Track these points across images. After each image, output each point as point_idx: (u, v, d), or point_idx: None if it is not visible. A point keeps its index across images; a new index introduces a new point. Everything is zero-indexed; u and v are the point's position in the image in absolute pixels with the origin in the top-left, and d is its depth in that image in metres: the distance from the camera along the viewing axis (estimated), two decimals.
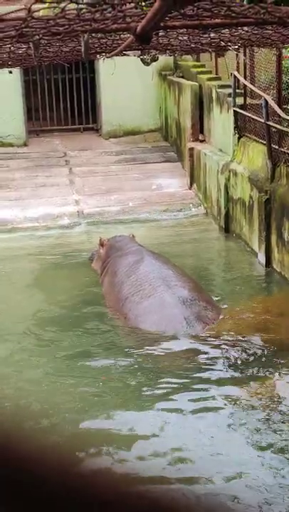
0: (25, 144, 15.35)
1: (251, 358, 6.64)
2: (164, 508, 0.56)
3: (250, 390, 6.10)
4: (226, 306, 8.00)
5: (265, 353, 6.74)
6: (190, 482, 4.76)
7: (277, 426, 5.50)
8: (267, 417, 5.61)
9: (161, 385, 6.25)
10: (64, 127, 16.16)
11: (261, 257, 9.65)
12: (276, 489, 4.65)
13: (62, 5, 3.04)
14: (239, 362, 6.59)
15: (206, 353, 6.78)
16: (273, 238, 9.34)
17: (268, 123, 9.45)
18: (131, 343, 7.16)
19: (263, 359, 6.63)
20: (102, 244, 9.26)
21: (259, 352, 6.76)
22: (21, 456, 0.55)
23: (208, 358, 6.68)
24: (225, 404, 5.87)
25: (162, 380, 6.33)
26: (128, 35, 3.84)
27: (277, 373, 6.37)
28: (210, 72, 13.74)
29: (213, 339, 7.02)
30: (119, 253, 8.72)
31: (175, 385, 6.22)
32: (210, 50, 7.80)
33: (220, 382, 6.25)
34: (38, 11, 3.22)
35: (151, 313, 7.31)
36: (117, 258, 8.61)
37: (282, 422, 5.54)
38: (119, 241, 9.16)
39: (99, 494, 0.55)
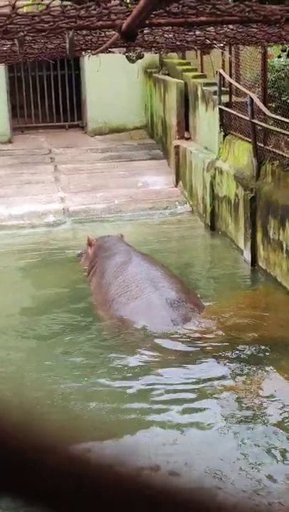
0: (9, 141, 15.28)
1: (237, 355, 6.67)
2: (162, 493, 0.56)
3: (238, 386, 6.12)
4: (210, 303, 8.01)
5: (251, 349, 6.77)
6: (181, 473, 4.77)
7: (261, 420, 5.52)
8: (253, 413, 5.63)
9: (146, 382, 6.25)
10: (49, 124, 16.11)
11: (247, 255, 9.68)
12: (260, 481, 4.68)
13: (47, 1, 3.03)
14: (225, 359, 6.60)
15: (191, 350, 6.79)
16: (259, 236, 9.37)
17: (253, 121, 9.48)
18: (117, 341, 7.16)
19: (249, 356, 6.66)
20: (90, 244, 9.22)
21: (245, 349, 6.78)
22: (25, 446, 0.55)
23: (193, 355, 6.70)
24: (211, 400, 5.89)
25: (147, 377, 6.33)
26: (113, 32, 3.83)
27: (263, 369, 6.40)
28: (195, 69, 13.75)
29: (198, 337, 7.04)
30: (107, 253, 8.68)
31: (160, 382, 6.23)
32: (195, 47, 7.80)
33: (205, 379, 6.26)
34: (23, 7, 3.21)
35: (138, 314, 7.28)
36: (105, 259, 8.58)
37: (269, 416, 5.56)
38: (107, 241, 9.12)
39: (97, 483, 0.55)
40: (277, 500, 4.49)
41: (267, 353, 6.71)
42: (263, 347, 6.81)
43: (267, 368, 6.42)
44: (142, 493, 0.55)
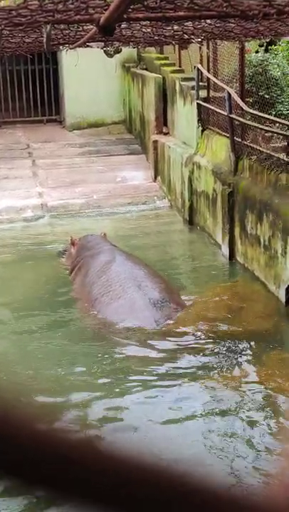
0: None
1: (217, 350, 6.71)
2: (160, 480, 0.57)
3: (217, 379, 6.16)
4: (188, 298, 8.04)
5: (231, 343, 6.82)
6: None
7: (240, 412, 5.57)
8: (232, 405, 5.68)
9: (126, 377, 6.27)
10: (27, 119, 16.02)
11: (225, 249, 9.73)
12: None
13: None
14: (205, 354, 6.65)
15: (171, 345, 6.83)
16: (236, 230, 9.42)
17: (231, 116, 9.51)
18: (97, 337, 7.17)
19: (229, 349, 6.71)
20: (73, 244, 9.17)
21: (224, 343, 6.83)
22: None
23: (173, 350, 6.73)
24: (191, 394, 5.93)
25: (130, 370, 6.35)
26: (91, 26, 3.83)
27: (243, 362, 6.45)
28: (173, 64, 13.76)
29: (178, 332, 7.07)
30: (90, 252, 8.61)
31: (140, 377, 6.25)
32: (173, 42, 7.82)
33: (185, 373, 6.30)
34: (0, 1, 3.19)
35: (120, 314, 7.24)
36: (88, 258, 8.52)
37: (248, 409, 5.61)
38: (90, 240, 9.05)
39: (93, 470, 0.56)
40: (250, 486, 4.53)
41: (246, 346, 6.77)
42: (242, 340, 6.87)
43: (246, 361, 6.48)
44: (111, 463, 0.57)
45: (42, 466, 0.55)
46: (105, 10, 2.98)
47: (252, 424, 5.43)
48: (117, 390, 6.06)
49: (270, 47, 10.68)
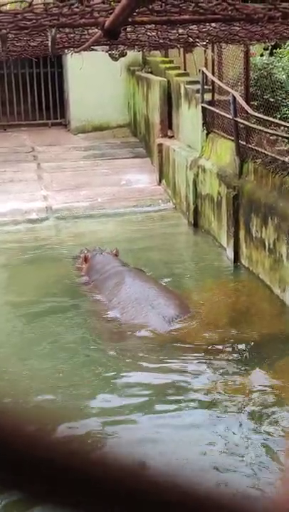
0: None
1: (222, 353, 6.71)
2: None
3: (228, 384, 6.15)
4: (195, 300, 8.03)
5: (236, 347, 6.82)
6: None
7: (245, 415, 5.56)
8: (238, 408, 5.67)
9: (138, 382, 6.27)
10: (32, 122, 16.05)
11: (229, 252, 9.72)
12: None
13: None
14: (211, 358, 6.64)
15: (178, 350, 6.83)
16: (241, 234, 9.41)
17: (235, 119, 9.51)
18: (103, 336, 7.18)
19: (234, 353, 6.70)
20: (85, 260, 9.08)
21: (230, 347, 6.83)
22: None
23: (180, 354, 6.73)
24: (201, 400, 5.92)
25: (138, 377, 6.35)
26: (96, 30, 3.83)
27: (248, 365, 6.44)
28: (178, 67, 13.77)
29: (185, 336, 7.07)
30: (99, 277, 8.54)
31: (152, 380, 6.26)
32: (178, 46, 7.82)
33: (192, 376, 6.29)
34: (6, 4, 3.20)
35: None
36: (98, 282, 8.47)
37: (252, 411, 5.60)
38: (99, 262, 8.92)
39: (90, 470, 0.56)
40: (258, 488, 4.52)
41: (253, 351, 6.75)
42: (248, 345, 6.85)
43: (253, 366, 6.46)
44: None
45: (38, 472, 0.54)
46: (110, 14, 2.99)
47: (260, 430, 5.41)
48: (125, 397, 6.06)
49: (274, 50, 10.67)
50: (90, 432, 5.39)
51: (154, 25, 4.94)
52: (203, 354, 6.71)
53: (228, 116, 9.95)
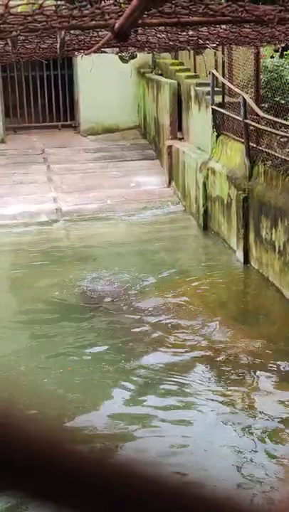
0: (2, 141, 15.25)
1: (237, 358, 6.69)
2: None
3: (240, 389, 6.13)
4: (205, 303, 8.01)
5: (245, 348, 6.80)
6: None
7: (253, 420, 5.54)
8: (246, 412, 5.65)
9: (154, 385, 6.26)
10: (42, 124, 16.09)
11: (239, 255, 9.69)
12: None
13: (40, 1, 3.03)
14: (219, 361, 6.62)
15: (188, 355, 6.81)
16: (251, 236, 9.38)
17: (246, 121, 9.49)
18: (111, 339, 7.17)
19: (244, 355, 6.69)
20: None
21: (239, 349, 6.81)
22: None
23: (191, 359, 6.72)
24: (213, 405, 5.91)
25: (156, 381, 6.35)
26: (106, 32, 3.83)
27: (257, 368, 6.42)
28: (188, 70, 13.76)
29: (195, 340, 7.06)
30: None
31: (166, 384, 6.25)
32: (188, 48, 7.81)
33: (207, 384, 6.28)
34: (16, 6, 3.20)
35: None
36: None
37: (261, 414, 5.58)
38: None
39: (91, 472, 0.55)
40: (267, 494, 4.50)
41: (264, 355, 6.72)
42: (260, 349, 6.82)
43: (264, 370, 6.44)
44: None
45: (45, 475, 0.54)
46: (120, 15, 2.98)
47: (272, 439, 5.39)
48: (142, 398, 6.05)
49: (285, 52, 10.64)
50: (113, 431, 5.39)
51: (163, 27, 4.93)
52: (212, 358, 6.69)
53: (238, 118, 9.93)
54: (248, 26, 5.01)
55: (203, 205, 11.40)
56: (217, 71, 11.33)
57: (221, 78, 11.06)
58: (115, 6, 3.16)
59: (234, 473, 4.79)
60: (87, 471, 0.54)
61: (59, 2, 3.10)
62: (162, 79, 14.23)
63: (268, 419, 5.54)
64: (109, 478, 0.54)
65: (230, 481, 4.69)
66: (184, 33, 5.54)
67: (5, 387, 6.26)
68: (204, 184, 11.34)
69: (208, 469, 4.84)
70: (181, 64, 14.28)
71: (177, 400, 5.96)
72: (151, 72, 15.23)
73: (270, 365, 6.50)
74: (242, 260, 9.56)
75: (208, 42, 6.42)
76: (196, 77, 13.19)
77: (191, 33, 5.52)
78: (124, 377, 6.37)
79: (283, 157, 8.68)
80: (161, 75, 14.80)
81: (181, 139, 13.43)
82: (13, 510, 4.24)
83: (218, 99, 11.20)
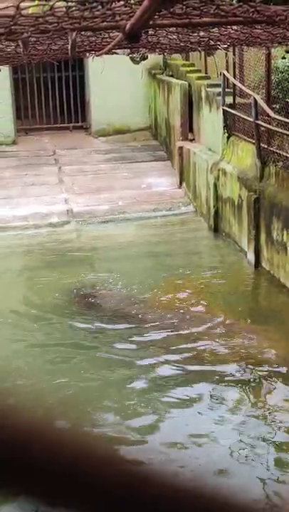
0: (14, 143, 15.30)
1: (242, 360, 6.68)
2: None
3: (243, 388, 6.12)
4: (216, 304, 8.00)
5: (257, 352, 6.78)
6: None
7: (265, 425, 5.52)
8: (257, 419, 5.64)
9: (162, 393, 6.26)
10: (53, 126, 16.13)
11: (250, 256, 9.67)
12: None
13: (51, 2, 3.03)
14: (231, 364, 6.61)
15: (197, 360, 6.81)
16: (262, 237, 9.35)
17: (257, 122, 9.47)
18: (122, 343, 7.18)
19: (254, 357, 6.67)
20: None
21: (251, 352, 6.79)
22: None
23: (201, 363, 6.71)
24: (224, 412, 5.89)
25: (161, 388, 6.35)
26: (117, 33, 3.83)
27: (268, 371, 6.40)
28: (199, 71, 13.75)
29: (206, 343, 7.05)
30: None
31: (175, 390, 6.25)
32: (199, 49, 7.79)
33: (212, 382, 6.27)
34: (27, 8, 3.21)
35: None
36: None
37: (271, 421, 5.56)
38: None
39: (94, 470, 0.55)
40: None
41: (272, 356, 6.71)
42: (267, 349, 6.81)
43: (277, 375, 6.42)
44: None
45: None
46: (131, 17, 2.98)
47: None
48: (151, 404, 6.05)
49: None
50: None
51: (175, 28, 4.93)
52: (220, 360, 6.68)
53: (249, 119, 9.91)
54: (259, 27, 4.99)
55: (214, 206, 11.38)
56: (228, 72, 11.31)
57: (232, 79, 11.04)
58: (126, 7, 3.16)
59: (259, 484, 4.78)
60: (90, 471, 0.54)
61: (70, 3, 3.10)
62: (173, 80, 14.23)
63: None
64: (113, 480, 0.54)
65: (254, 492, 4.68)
66: (195, 34, 5.53)
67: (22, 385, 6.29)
68: (215, 185, 11.32)
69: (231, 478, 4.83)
70: (192, 65, 14.27)
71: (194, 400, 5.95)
72: (162, 74, 15.23)
73: (280, 363, 6.47)
74: (253, 262, 9.54)
75: (219, 43, 6.41)
76: (207, 78, 13.18)
77: (202, 33, 5.52)
78: (141, 380, 6.37)
79: None
80: (172, 76, 14.80)
81: (192, 140, 13.42)
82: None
83: (229, 100, 11.18)
